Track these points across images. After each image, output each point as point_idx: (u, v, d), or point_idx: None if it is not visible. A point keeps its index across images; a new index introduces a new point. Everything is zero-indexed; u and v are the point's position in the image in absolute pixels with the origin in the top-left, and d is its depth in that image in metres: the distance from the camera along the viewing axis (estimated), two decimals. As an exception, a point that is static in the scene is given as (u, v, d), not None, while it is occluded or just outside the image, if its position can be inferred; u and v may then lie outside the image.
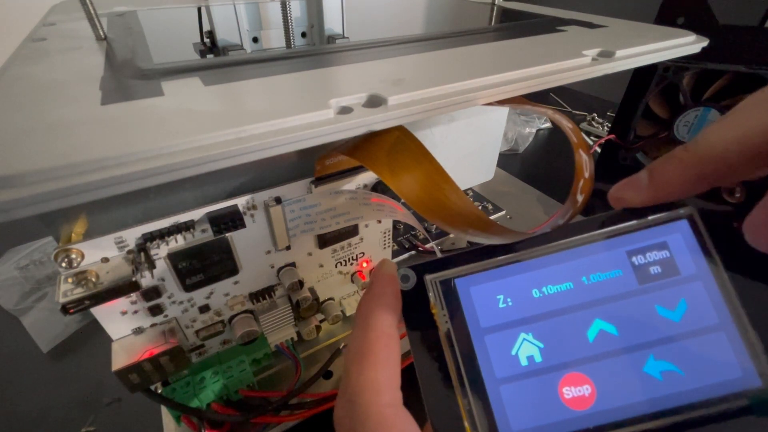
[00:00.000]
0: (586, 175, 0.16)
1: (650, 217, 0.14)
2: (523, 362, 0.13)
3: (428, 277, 0.14)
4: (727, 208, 0.13)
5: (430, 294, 0.14)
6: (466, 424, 0.13)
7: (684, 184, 0.13)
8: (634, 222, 0.14)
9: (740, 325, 0.13)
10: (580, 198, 0.15)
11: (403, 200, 0.17)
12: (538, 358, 0.13)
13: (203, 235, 0.21)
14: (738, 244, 0.13)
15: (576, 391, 0.13)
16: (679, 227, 0.14)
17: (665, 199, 0.13)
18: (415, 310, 0.14)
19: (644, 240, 0.14)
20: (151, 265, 0.20)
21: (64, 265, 0.17)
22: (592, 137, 0.65)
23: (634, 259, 0.14)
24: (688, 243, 0.13)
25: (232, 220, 0.21)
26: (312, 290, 0.28)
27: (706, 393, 0.12)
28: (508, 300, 0.14)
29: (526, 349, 0.13)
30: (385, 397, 0.12)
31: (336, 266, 0.29)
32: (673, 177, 0.13)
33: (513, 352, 0.14)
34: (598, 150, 0.58)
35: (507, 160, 0.60)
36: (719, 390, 0.12)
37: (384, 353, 0.13)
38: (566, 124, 0.19)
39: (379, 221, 0.28)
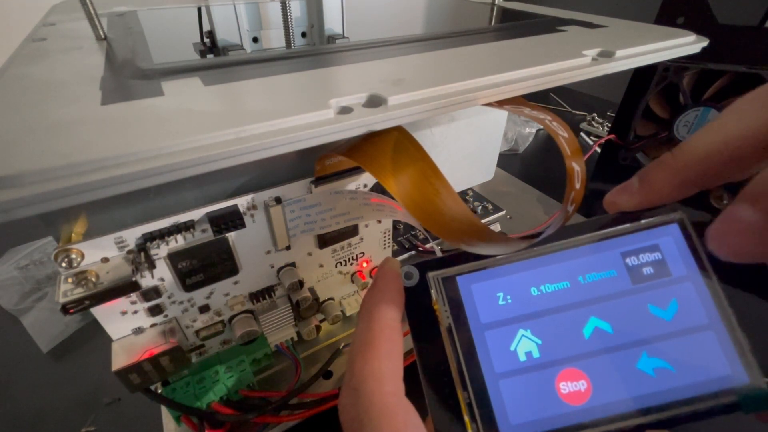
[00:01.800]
0: (577, 186, 0.16)
1: (643, 221, 0.14)
2: (522, 358, 0.14)
3: (431, 275, 0.15)
4: (715, 214, 0.14)
5: (433, 291, 0.15)
6: (466, 418, 0.13)
7: (672, 188, 0.13)
8: (628, 225, 0.14)
9: (728, 325, 0.13)
10: (570, 209, 0.16)
11: (397, 200, 0.17)
12: (536, 354, 0.14)
13: (203, 235, 0.21)
14: None
15: (572, 386, 0.13)
16: (670, 231, 0.14)
17: (656, 202, 0.14)
18: (417, 306, 0.15)
19: (637, 242, 0.14)
20: (151, 265, 0.20)
21: (64, 265, 0.17)
22: (592, 137, 0.65)
23: (627, 260, 0.14)
24: (679, 246, 0.14)
25: (232, 220, 0.21)
26: (312, 290, 0.28)
27: (696, 389, 0.13)
28: (508, 297, 0.14)
29: (525, 345, 0.14)
30: (388, 386, 0.13)
31: (336, 266, 0.29)
32: (661, 182, 0.14)
33: (512, 348, 0.14)
34: (598, 150, 0.58)
35: (507, 160, 0.60)
36: (709, 386, 0.13)
37: (388, 345, 0.13)
38: (561, 133, 0.19)
39: (379, 221, 0.28)
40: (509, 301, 0.14)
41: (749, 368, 0.13)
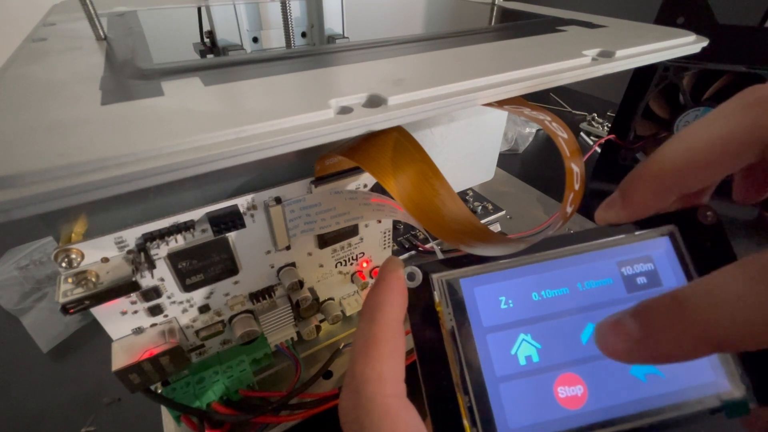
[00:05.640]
0: (576, 187, 0.16)
1: (637, 233, 0.15)
2: (522, 362, 0.14)
3: (434, 276, 0.15)
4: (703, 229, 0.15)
5: (436, 292, 0.15)
6: (465, 422, 0.13)
7: (651, 197, 0.14)
8: (623, 236, 0.15)
9: None
10: (569, 210, 0.16)
11: (396, 201, 0.17)
12: (535, 359, 0.14)
13: (203, 235, 0.21)
14: (714, 260, 0.14)
15: (570, 390, 0.14)
16: (662, 243, 0.15)
17: (642, 213, 0.14)
18: (420, 308, 0.15)
19: (632, 253, 0.15)
20: (151, 265, 0.20)
21: (64, 265, 0.17)
22: (592, 137, 0.65)
23: (623, 269, 0.15)
24: (669, 257, 0.15)
25: (232, 220, 0.21)
26: (312, 290, 0.28)
27: (683, 395, 0.13)
28: (510, 302, 0.14)
29: (525, 349, 0.14)
30: (389, 388, 0.13)
31: (336, 266, 0.29)
32: (640, 194, 0.14)
33: (512, 352, 0.14)
34: (598, 150, 0.58)
35: (507, 160, 0.60)
36: (695, 392, 0.13)
37: (389, 346, 0.13)
38: (561, 134, 0.19)
39: (379, 221, 0.28)
40: (511, 305, 0.14)
41: (731, 376, 0.13)
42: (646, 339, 0.10)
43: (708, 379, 0.13)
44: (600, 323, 0.11)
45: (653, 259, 0.15)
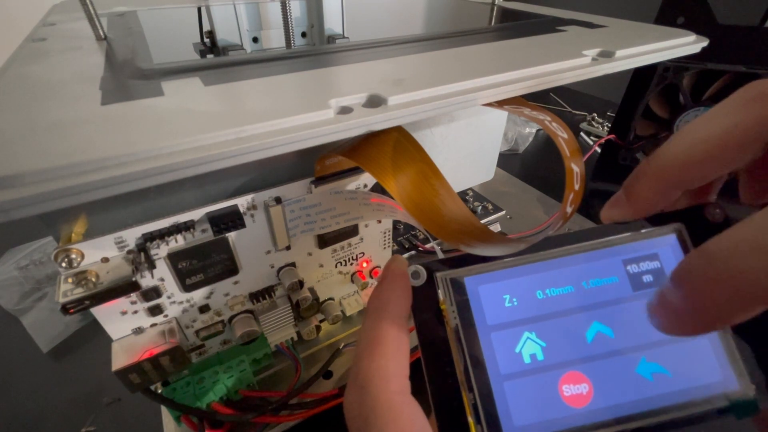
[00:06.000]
0: (576, 187, 0.16)
1: (643, 231, 0.15)
2: (527, 360, 0.14)
3: (438, 275, 0.15)
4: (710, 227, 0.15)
5: (440, 291, 0.15)
6: (470, 419, 0.13)
7: (655, 194, 0.14)
8: (629, 234, 0.15)
9: (722, 333, 0.14)
10: (569, 210, 0.16)
11: (396, 201, 0.17)
12: (540, 357, 0.14)
13: (203, 235, 0.21)
14: None
15: (575, 389, 0.13)
16: (668, 241, 0.15)
17: (647, 211, 0.14)
18: (424, 306, 0.15)
19: (638, 251, 0.15)
20: (151, 265, 0.20)
21: (64, 265, 0.17)
22: (592, 137, 0.65)
23: (629, 267, 0.15)
24: (676, 255, 0.14)
25: (232, 220, 0.21)
26: (312, 290, 0.28)
27: (690, 394, 0.13)
28: (514, 300, 0.14)
29: (530, 347, 0.14)
30: (394, 384, 0.13)
31: (336, 266, 0.29)
32: (645, 191, 0.14)
33: (517, 350, 0.14)
34: (598, 150, 0.58)
35: (507, 160, 0.60)
36: (702, 392, 0.13)
37: (394, 344, 0.14)
38: (561, 134, 0.19)
39: (379, 221, 0.28)
40: (515, 303, 0.14)
41: (740, 375, 0.13)
42: (694, 305, 0.10)
43: (716, 378, 0.13)
44: (649, 305, 0.11)
45: (660, 257, 0.14)
